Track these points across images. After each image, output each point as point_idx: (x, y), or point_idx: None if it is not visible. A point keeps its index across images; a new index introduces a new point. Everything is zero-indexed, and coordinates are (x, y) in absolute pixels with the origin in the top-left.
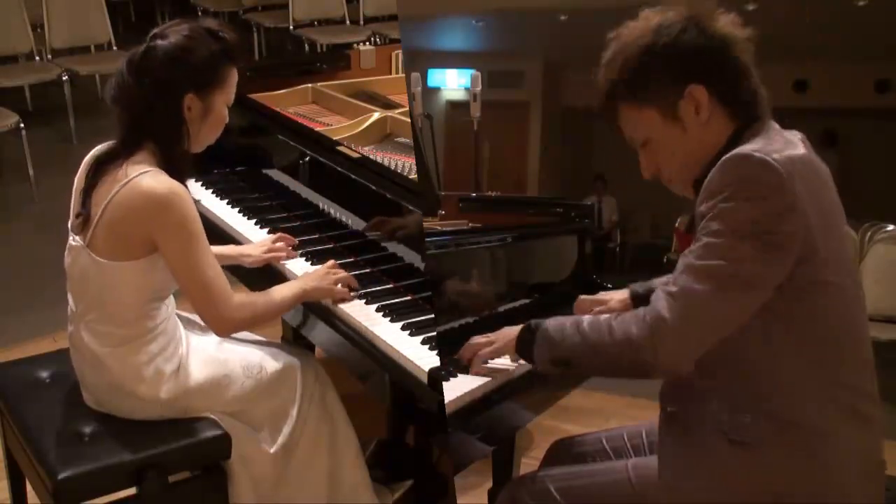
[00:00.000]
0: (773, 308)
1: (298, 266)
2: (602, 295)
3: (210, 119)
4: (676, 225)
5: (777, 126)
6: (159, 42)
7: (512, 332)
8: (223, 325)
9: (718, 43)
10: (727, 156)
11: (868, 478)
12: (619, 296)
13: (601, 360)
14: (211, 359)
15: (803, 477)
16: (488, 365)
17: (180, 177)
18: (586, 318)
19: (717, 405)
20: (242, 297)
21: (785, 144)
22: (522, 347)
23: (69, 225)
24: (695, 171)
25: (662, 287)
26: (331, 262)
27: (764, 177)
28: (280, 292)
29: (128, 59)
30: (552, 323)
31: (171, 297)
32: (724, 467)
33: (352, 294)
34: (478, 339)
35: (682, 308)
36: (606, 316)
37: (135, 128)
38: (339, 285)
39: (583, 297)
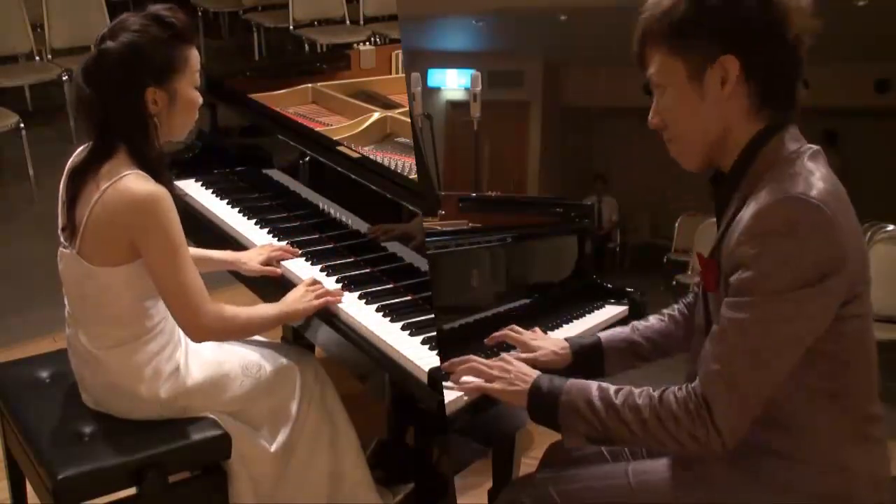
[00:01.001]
0: (812, 354)
1: (298, 266)
2: (531, 339)
3: (179, 105)
4: (698, 251)
5: (798, 135)
6: (109, 44)
7: (517, 376)
8: (196, 332)
9: (776, 18)
10: (770, 197)
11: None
12: (551, 345)
13: (652, 445)
14: (210, 358)
15: None
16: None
17: (158, 176)
18: (618, 396)
19: (748, 453)
20: (219, 308)
21: (819, 171)
22: (539, 415)
23: (59, 231)
24: (703, 148)
25: (705, 364)
26: (310, 278)
27: (811, 222)
28: (260, 312)
29: (82, 67)
30: (574, 392)
31: None
32: None
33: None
34: (478, 365)
35: (733, 391)
36: (645, 399)
37: (103, 134)
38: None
39: (511, 333)
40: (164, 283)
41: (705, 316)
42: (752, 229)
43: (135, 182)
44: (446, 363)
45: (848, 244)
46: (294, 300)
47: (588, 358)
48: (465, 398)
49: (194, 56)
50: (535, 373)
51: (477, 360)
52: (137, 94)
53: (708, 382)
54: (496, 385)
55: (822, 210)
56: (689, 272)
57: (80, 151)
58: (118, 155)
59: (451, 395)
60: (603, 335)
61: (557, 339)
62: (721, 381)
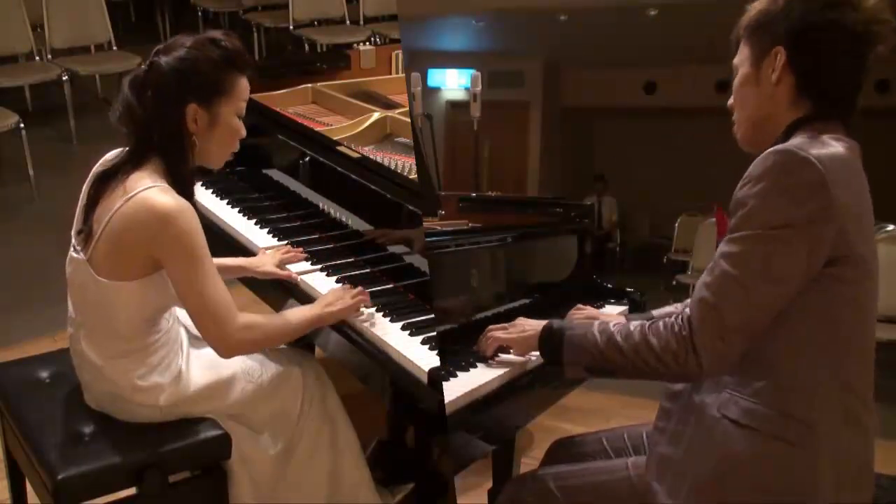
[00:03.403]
0: (798, 305)
1: (300, 267)
2: (598, 313)
3: (219, 130)
4: (720, 205)
5: (837, 134)
6: (162, 58)
7: (529, 326)
8: (226, 347)
9: (835, 21)
10: (771, 149)
11: (856, 484)
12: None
13: (641, 372)
14: (211, 363)
15: (793, 471)
16: (500, 357)
17: (186, 193)
18: (614, 326)
19: (727, 393)
20: (249, 319)
21: (832, 144)
22: (547, 349)
23: (72, 234)
24: (755, 131)
25: (697, 291)
26: (348, 286)
27: (803, 175)
28: (293, 316)
29: (131, 77)
30: (578, 328)
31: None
32: (717, 443)
33: (367, 309)
34: (494, 327)
35: (716, 318)
36: (637, 325)
37: (139, 143)
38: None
39: (579, 306)
40: (188, 298)
41: None
42: (750, 174)
43: (158, 195)
44: (478, 345)
45: (840, 203)
46: (330, 301)
47: None
48: (466, 398)
49: (243, 85)
50: (544, 322)
51: (494, 328)
52: (179, 109)
53: (694, 307)
54: (512, 335)
55: (812, 164)
56: (689, 272)
57: (109, 156)
58: (149, 166)
59: (451, 395)
60: (656, 312)
61: (614, 315)
62: (706, 306)
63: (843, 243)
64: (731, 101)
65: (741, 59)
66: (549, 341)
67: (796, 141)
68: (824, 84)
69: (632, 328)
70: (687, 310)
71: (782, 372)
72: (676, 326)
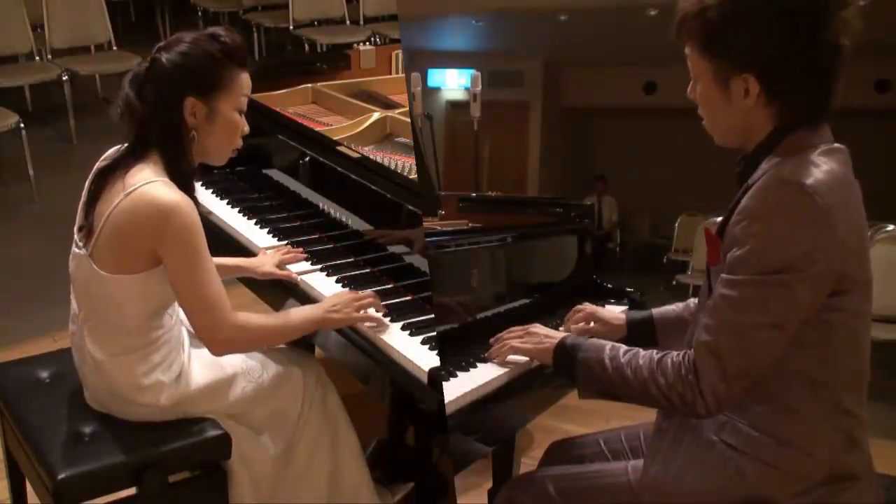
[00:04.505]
0: (796, 334)
1: (300, 267)
2: (599, 311)
3: (219, 125)
4: (707, 227)
5: (825, 134)
6: (163, 55)
7: (546, 338)
8: (216, 344)
9: (805, 45)
10: (768, 179)
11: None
12: (609, 317)
13: (649, 404)
14: (212, 363)
15: (791, 494)
16: (508, 358)
17: (186, 188)
18: (624, 356)
19: (725, 416)
20: (243, 319)
21: (826, 162)
22: (560, 368)
23: (74, 231)
24: (730, 134)
25: (698, 336)
26: (362, 293)
27: (803, 210)
28: (293, 316)
29: (131, 74)
30: (591, 350)
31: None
32: (714, 465)
33: (376, 313)
34: (513, 330)
35: (717, 363)
36: (646, 360)
37: (139, 138)
38: (364, 312)
39: (578, 307)
40: (184, 292)
41: (708, 287)
42: (747, 209)
43: (160, 189)
44: (491, 351)
45: (840, 236)
46: (337, 304)
47: (641, 331)
48: (466, 398)
49: (243, 79)
50: (560, 334)
51: (510, 336)
52: (177, 102)
53: (698, 352)
54: (528, 345)
55: (813, 198)
56: (689, 272)
57: (110, 152)
58: (149, 160)
59: (451, 395)
60: (656, 311)
61: (615, 312)
62: (709, 352)
63: (844, 276)
64: (691, 93)
65: (695, 68)
66: (562, 360)
67: (790, 166)
68: (807, 101)
69: (641, 362)
70: (692, 352)
71: (780, 399)
72: (683, 369)
